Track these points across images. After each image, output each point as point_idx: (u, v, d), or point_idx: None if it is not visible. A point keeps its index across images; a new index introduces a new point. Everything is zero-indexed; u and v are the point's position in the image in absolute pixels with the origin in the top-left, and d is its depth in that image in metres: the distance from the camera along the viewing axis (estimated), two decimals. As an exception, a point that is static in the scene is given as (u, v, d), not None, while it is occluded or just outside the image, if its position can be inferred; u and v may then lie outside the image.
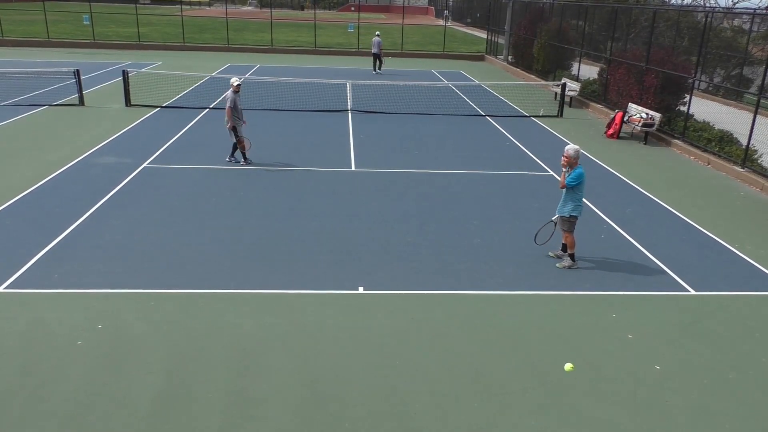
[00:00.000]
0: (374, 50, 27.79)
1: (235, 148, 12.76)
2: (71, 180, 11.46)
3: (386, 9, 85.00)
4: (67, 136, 14.67)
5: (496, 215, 10.41)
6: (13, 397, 5.51)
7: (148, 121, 16.56)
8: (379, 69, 28.24)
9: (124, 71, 18.60)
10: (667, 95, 16.62)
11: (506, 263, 8.57)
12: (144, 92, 20.30)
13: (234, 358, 6.20)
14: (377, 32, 29.50)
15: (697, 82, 17.09)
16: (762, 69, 14.05)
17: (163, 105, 18.73)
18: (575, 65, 24.31)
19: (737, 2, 41.40)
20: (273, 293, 7.53)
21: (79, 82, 18.42)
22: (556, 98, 21.57)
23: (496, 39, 35.90)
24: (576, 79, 22.83)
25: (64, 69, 20.82)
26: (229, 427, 5.25)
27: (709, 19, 15.62)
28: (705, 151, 14.82)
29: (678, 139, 16.04)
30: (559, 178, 12.50)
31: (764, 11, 21.43)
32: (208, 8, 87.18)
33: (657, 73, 16.67)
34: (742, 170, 13.35)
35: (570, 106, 21.12)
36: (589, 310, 7.40)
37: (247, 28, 48.01)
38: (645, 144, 16.30)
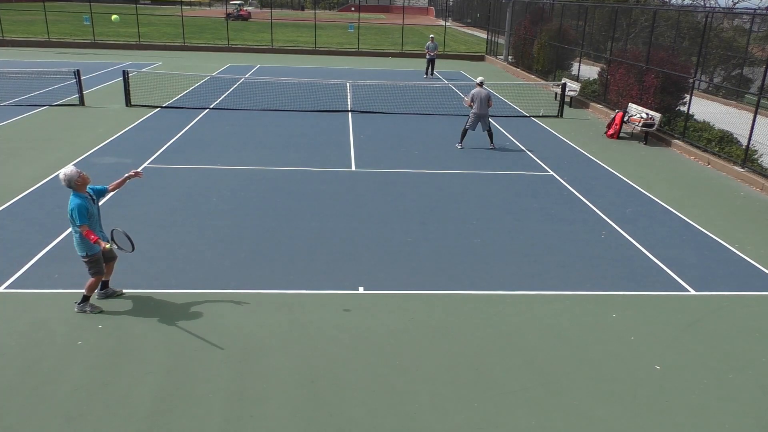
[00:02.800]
0: (430, 54, 26.61)
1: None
2: (71, 180, 11.45)
3: (386, 9, 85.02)
4: (68, 137, 14.67)
5: (496, 215, 10.41)
6: (14, 397, 5.51)
7: (148, 121, 16.56)
8: (430, 74, 27.00)
9: (124, 71, 18.60)
10: (667, 95, 16.62)
11: (506, 263, 8.57)
12: (144, 92, 20.30)
13: (234, 358, 6.20)
14: (431, 35, 28.35)
15: (697, 83, 17.09)
16: (762, 69, 14.05)
17: (163, 105, 18.73)
18: (575, 65, 24.31)
19: (737, 2, 41.40)
20: (273, 293, 7.53)
21: (79, 82, 18.42)
22: (556, 98, 21.58)
23: (496, 39, 35.91)
24: (576, 79, 22.83)
25: (64, 69, 20.83)
26: (229, 427, 5.25)
27: (709, 19, 15.62)
28: (705, 151, 14.82)
29: (678, 139, 16.03)
30: (560, 179, 12.52)
31: (764, 11, 21.43)
32: (208, 8, 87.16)
33: (657, 73, 16.67)
34: (742, 170, 13.35)
35: (570, 106, 21.13)
36: (589, 310, 7.40)
37: (247, 28, 48.03)
38: (645, 144, 16.30)
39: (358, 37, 38.18)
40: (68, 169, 6.58)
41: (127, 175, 7.20)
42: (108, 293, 7.28)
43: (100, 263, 6.84)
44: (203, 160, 12.96)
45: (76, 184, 6.59)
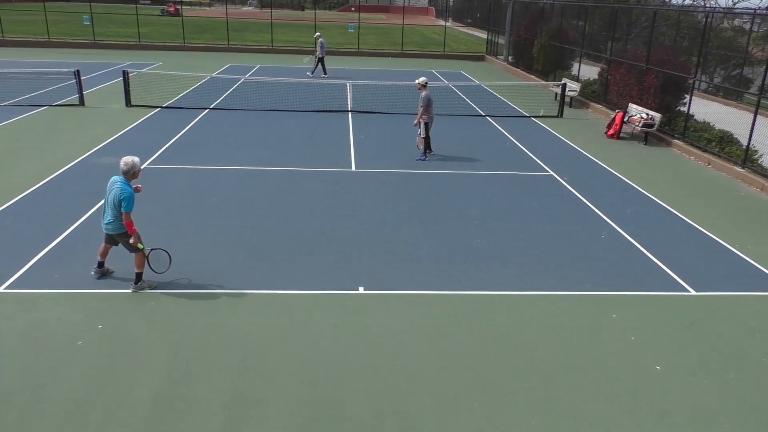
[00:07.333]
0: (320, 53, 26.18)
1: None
2: (71, 180, 11.46)
3: (386, 9, 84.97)
4: (68, 137, 14.67)
5: (496, 215, 10.41)
6: (13, 397, 5.51)
7: (148, 122, 16.56)
8: (311, 72, 26.65)
9: (124, 71, 18.60)
10: (667, 95, 16.62)
11: (506, 263, 8.57)
12: (144, 92, 20.30)
13: (234, 358, 6.20)
14: (318, 33, 27.59)
15: (697, 83, 17.09)
16: (762, 69, 14.05)
17: (163, 105, 18.73)
18: (575, 65, 24.30)
19: (737, 2, 41.41)
20: (273, 293, 7.53)
21: (79, 83, 18.42)
22: (556, 98, 21.58)
23: (496, 39, 35.90)
24: (576, 79, 22.83)
25: (64, 69, 20.83)
26: (229, 427, 5.25)
27: (709, 19, 15.62)
28: (705, 151, 14.82)
29: (678, 139, 16.04)
30: (560, 179, 12.52)
31: (764, 11, 21.43)
32: (208, 8, 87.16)
33: (657, 74, 16.67)
34: (742, 170, 13.35)
35: (570, 107, 21.12)
36: (589, 310, 7.40)
37: (248, 28, 48.01)
38: (645, 144, 16.30)
39: (358, 37, 38.17)
40: (135, 158, 7.24)
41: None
42: (103, 272, 7.74)
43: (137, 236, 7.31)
44: (203, 160, 12.96)
45: (134, 173, 7.21)
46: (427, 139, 13.69)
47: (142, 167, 7.60)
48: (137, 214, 9.74)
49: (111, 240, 7.52)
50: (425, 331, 6.82)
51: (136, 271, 7.42)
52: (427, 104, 13.36)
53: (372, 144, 14.95)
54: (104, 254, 7.65)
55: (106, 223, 7.29)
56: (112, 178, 7.30)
